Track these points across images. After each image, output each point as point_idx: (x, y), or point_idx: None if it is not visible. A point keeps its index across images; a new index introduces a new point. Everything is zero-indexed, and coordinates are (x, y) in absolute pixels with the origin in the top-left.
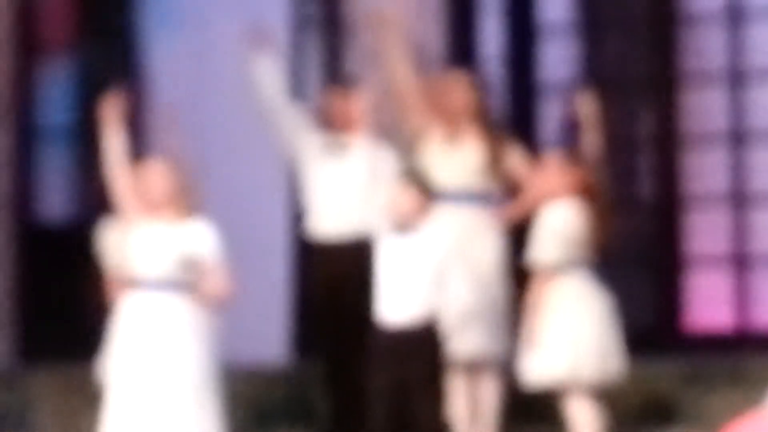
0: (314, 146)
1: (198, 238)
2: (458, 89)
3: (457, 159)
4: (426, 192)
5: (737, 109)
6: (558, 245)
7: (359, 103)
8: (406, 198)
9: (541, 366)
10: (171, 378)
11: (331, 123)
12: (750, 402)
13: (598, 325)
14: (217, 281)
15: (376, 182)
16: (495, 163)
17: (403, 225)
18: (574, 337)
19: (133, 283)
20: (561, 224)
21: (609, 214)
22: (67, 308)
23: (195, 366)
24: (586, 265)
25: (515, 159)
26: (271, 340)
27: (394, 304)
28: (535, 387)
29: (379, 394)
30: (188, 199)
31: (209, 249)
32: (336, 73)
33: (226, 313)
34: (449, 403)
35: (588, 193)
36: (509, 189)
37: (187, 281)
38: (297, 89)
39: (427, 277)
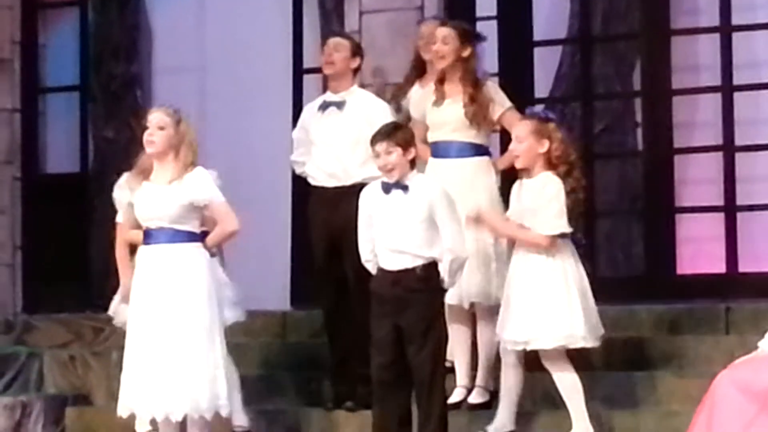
0: (313, 109)
1: (195, 186)
2: (447, 36)
3: (444, 111)
4: (408, 144)
5: (727, 64)
6: (562, 216)
7: (352, 58)
8: (391, 157)
9: (520, 329)
10: (182, 324)
11: (327, 77)
12: (742, 346)
13: (582, 295)
14: (223, 223)
15: (372, 132)
16: (480, 114)
17: (393, 180)
18: (557, 304)
19: (143, 237)
20: (559, 195)
21: (582, 188)
22: (73, 260)
23: (203, 311)
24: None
25: (503, 110)
26: (273, 289)
27: (391, 255)
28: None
29: (379, 341)
30: (189, 149)
31: (210, 193)
32: (334, 30)
33: (231, 261)
34: (448, 349)
35: (566, 165)
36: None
37: (193, 229)
38: (297, 49)
39: (419, 227)
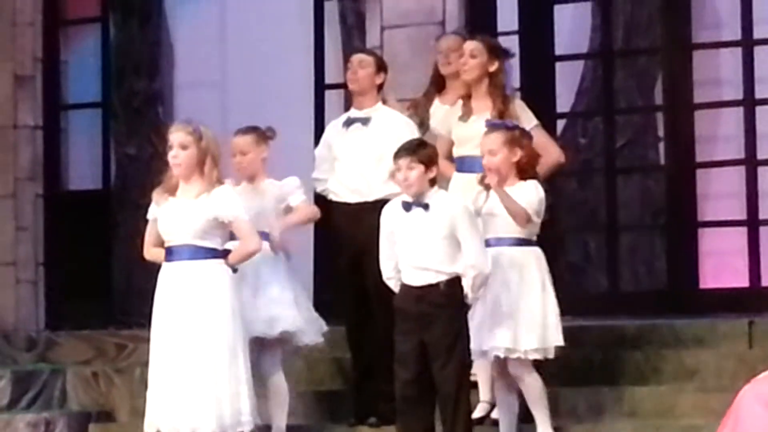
0: (338, 125)
1: (221, 202)
2: (475, 50)
3: (471, 126)
4: (432, 162)
5: (749, 78)
6: (540, 216)
7: (376, 74)
8: (412, 173)
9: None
10: (205, 341)
11: (352, 94)
12: (766, 360)
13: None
14: (246, 241)
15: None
16: None
17: (414, 197)
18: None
19: (165, 254)
20: (542, 200)
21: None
22: (95, 276)
23: (227, 328)
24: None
25: (530, 127)
26: None
27: (414, 272)
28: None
29: (403, 357)
30: (213, 163)
31: (236, 211)
32: (355, 46)
33: None
34: (472, 365)
35: (533, 171)
36: None
37: (216, 246)
38: (318, 64)
39: (441, 243)
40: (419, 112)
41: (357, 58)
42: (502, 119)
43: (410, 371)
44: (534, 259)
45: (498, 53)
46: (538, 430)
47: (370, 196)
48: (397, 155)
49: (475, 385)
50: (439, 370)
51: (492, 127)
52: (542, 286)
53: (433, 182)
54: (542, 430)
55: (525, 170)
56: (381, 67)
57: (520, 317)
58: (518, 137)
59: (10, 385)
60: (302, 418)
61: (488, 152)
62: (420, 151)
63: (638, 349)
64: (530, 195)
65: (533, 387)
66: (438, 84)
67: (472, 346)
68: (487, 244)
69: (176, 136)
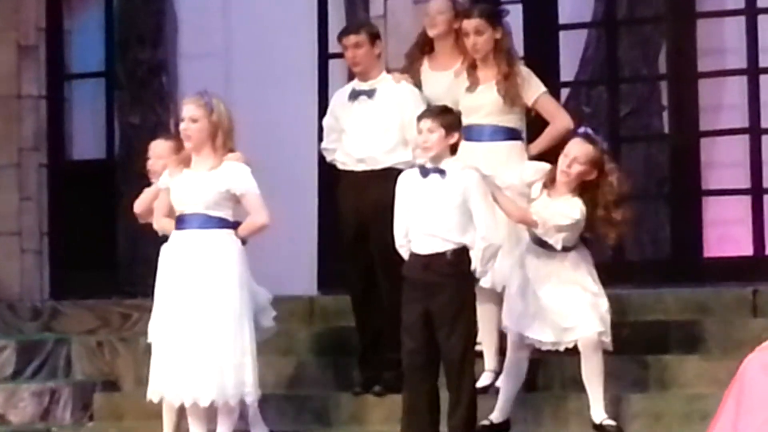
0: (343, 97)
1: (233, 175)
2: (479, 26)
3: (478, 96)
4: (452, 128)
5: (753, 47)
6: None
7: (373, 47)
8: (433, 136)
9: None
10: (212, 309)
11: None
12: None
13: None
14: (255, 215)
15: (403, 118)
16: (513, 91)
17: (430, 160)
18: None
19: (176, 221)
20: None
21: None
22: (100, 246)
23: (234, 297)
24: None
25: (539, 94)
26: (300, 273)
27: (423, 239)
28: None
29: (409, 326)
30: (225, 136)
31: (247, 184)
32: (359, 15)
33: (258, 247)
34: (478, 334)
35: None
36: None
37: (226, 216)
38: (322, 33)
39: (454, 212)
40: (411, 77)
41: (351, 40)
42: (507, 80)
43: (416, 340)
44: (578, 249)
45: (498, 19)
46: (593, 407)
47: (376, 165)
48: (421, 117)
49: (480, 354)
50: (444, 340)
51: (588, 138)
52: (588, 271)
53: (453, 150)
54: (597, 407)
55: (580, 189)
56: (374, 36)
57: (576, 305)
58: (602, 161)
59: (15, 354)
60: (307, 388)
61: (574, 159)
62: (444, 115)
63: (642, 318)
64: (574, 212)
65: (597, 365)
66: (423, 47)
67: (534, 335)
68: (540, 242)
69: (187, 108)
